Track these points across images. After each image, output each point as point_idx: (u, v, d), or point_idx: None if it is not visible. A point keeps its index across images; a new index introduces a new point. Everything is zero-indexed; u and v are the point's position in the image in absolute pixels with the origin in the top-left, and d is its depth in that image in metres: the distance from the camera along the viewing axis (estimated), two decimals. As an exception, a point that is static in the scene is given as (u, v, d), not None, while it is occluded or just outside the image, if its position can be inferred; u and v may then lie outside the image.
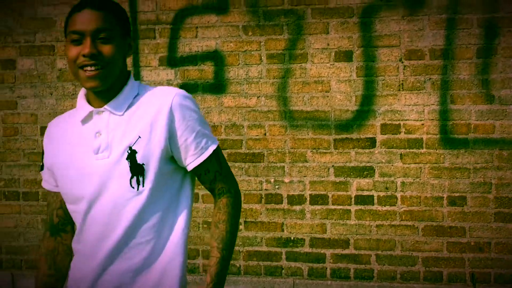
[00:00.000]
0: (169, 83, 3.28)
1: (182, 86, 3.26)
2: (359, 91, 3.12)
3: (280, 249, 3.23)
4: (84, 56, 1.32)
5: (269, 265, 3.26)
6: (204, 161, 1.41)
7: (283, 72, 3.19)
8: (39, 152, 3.40)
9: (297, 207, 3.21)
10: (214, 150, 1.43)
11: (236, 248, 3.27)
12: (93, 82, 1.34)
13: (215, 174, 1.44)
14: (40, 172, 1.54)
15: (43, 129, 3.41)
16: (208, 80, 3.27)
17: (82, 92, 1.46)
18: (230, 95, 3.24)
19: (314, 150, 3.18)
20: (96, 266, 1.39)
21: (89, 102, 1.42)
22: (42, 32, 3.39)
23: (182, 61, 3.28)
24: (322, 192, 3.18)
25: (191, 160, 1.40)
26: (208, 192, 1.49)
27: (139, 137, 1.37)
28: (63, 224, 1.53)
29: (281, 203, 3.22)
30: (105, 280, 1.40)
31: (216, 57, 3.25)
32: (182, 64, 3.28)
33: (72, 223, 1.51)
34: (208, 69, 3.26)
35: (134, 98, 1.42)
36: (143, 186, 1.36)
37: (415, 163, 3.09)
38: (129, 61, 3.30)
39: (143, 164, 1.36)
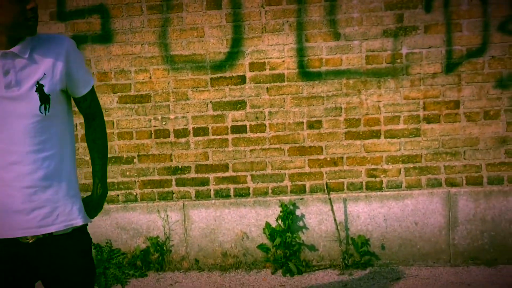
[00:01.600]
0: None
1: (72, 38, 3.53)
2: (229, 35, 3.51)
3: (170, 176, 3.64)
4: (32, 9, 1.63)
5: (161, 191, 3.66)
6: (87, 91, 1.83)
7: (163, 21, 3.52)
8: None
9: (183, 140, 3.61)
10: (93, 85, 1.86)
11: (132, 178, 3.65)
12: (33, 31, 1.65)
13: (90, 102, 1.86)
14: None
15: None
16: (96, 32, 3.55)
17: None
18: (117, 44, 3.55)
19: (194, 89, 3.57)
20: (11, 177, 1.68)
21: None
22: None
23: (71, 15, 3.55)
24: (203, 125, 3.59)
25: (80, 90, 1.80)
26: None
27: (45, 74, 1.68)
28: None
29: (169, 137, 3.61)
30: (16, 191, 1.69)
31: (102, 10, 3.53)
32: (71, 18, 3.55)
33: None
34: (95, 21, 3.55)
35: (31, 42, 1.69)
36: (48, 111, 1.68)
37: (279, 95, 3.53)
38: (21, 16, 3.52)
39: (49, 94, 1.68)
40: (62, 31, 3.54)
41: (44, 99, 1.69)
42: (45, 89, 1.69)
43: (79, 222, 1.77)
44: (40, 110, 1.68)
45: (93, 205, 1.91)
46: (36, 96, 1.67)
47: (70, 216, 1.75)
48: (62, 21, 3.55)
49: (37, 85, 1.67)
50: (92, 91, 1.87)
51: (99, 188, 1.92)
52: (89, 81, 1.84)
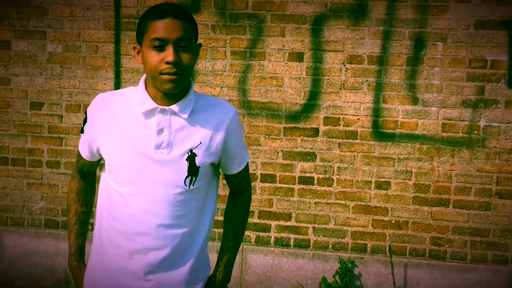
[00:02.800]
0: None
1: (156, 74, 3.62)
2: (307, 87, 3.52)
3: (232, 218, 3.63)
4: (167, 63, 1.38)
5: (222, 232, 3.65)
6: (241, 169, 1.66)
7: (244, 67, 3.57)
8: (28, 124, 3.74)
9: (249, 184, 3.61)
10: (248, 162, 1.69)
11: (195, 216, 3.66)
12: (171, 86, 1.41)
13: (242, 179, 1.69)
14: (80, 133, 1.65)
15: (32, 104, 3.73)
16: (179, 70, 3.63)
17: (143, 83, 1.52)
18: (198, 84, 3.61)
19: (266, 135, 3.58)
20: (134, 248, 1.49)
21: (150, 95, 1.48)
22: (35, 19, 3.70)
23: (157, 52, 3.64)
24: (271, 172, 3.59)
25: (234, 168, 1.63)
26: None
27: (200, 142, 1.49)
28: (91, 174, 1.71)
29: (236, 179, 3.61)
30: (139, 262, 1.49)
31: (187, 51, 3.61)
32: (158, 54, 3.64)
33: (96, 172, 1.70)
34: (179, 60, 3.62)
35: (195, 103, 1.52)
36: (193, 185, 1.49)
37: (350, 151, 3.51)
38: (111, 48, 3.65)
39: (199, 167, 1.48)
40: (147, 67, 3.63)
41: (193, 170, 1.49)
42: (197, 160, 1.49)
43: None
44: (184, 182, 1.49)
45: None
46: (185, 165, 1.48)
47: None
48: (148, 57, 3.64)
49: (189, 153, 1.48)
50: (246, 168, 1.69)
51: (220, 273, 1.67)
52: (245, 158, 1.66)
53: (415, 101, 3.43)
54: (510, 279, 3.36)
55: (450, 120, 3.40)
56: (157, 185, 1.48)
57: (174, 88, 1.43)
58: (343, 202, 3.52)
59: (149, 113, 1.48)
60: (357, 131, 3.49)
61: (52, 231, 3.77)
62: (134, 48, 1.51)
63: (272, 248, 3.59)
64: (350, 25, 3.44)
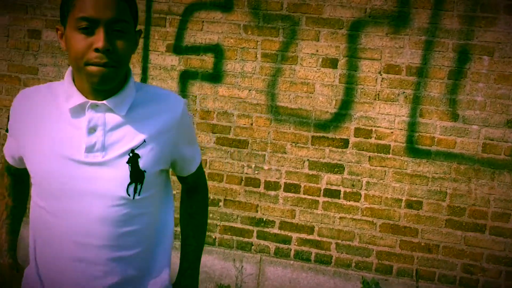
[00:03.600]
0: (173, 68, 3.50)
1: (184, 72, 3.48)
2: (339, 96, 3.31)
3: (252, 227, 3.45)
4: (96, 51, 1.09)
5: (241, 240, 3.48)
6: (195, 170, 1.41)
7: (274, 70, 3.39)
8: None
9: (272, 192, 3.42)
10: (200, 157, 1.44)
11: (214, 221, 3.50)
12: (100, 81, 1.12)
13: (196, 177, 1.43)
14: (6, 133, 1.40)
15: (57, 96, 3.65)
16: (207, 70, 3.48)
17: (70, 74, 1.22)
18: (225, 86, 3.45)
19: (293, 143, 3.39)
20: (75, 278, 1.20)
21: (79, 89, 1.19)
22: (67, 10, 3.62)
23: (186, 50, 3.50)
24: (295, 182, 3.39)
25: (189, 169, 1.38)
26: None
27: (144, 141, 1.18)
28: (19, 171, 1.40)
29: (259, 187, 3.44)
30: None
31: (217, 50, 3.45)
32: (186, 52, 3.50)
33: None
34: (208, 59, 3.47)
35: (135, 95, 1.23)
36: (139, 195, 1.19)
37: (381, 166, 3.28)
38: (140, 44, 3.52)
39: (144, 170, 1.18)
40: (175, 64, 3.49)
41: (137, 176, 1.17)
42: (141, 163, 1.17)
43: None
44: (127, 191, 1.17)
45: None
46: (126, 169, 1.16)
47: None
48: (177, 55, 3.50)
49: (130, 154, 1.17)
50: (199, 166, 1.45)
51: (187, 277, 1.40)
52: (195, 157, 1.39)
53: (455, 117, 3.17)
54: (547, 317, 3.08)
55: (492, 140, 3.13)
56: (93, 198, 1.16)
57: (103, 84, 1.13)
58: (370, 219, 3.30)
59: (77, 110, 1.18)
60: (389, 145, 3.26)
61: None
62: (57, 30, 1.19)
63: (292, 262, 3.40)
64: (389, 33, 3.21)
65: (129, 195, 1.17)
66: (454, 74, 3.16)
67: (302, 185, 3.38)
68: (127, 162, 1.16)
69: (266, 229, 3.44)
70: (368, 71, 3.26)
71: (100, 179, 1.15)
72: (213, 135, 3.48)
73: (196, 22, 3.46)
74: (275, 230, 3.43)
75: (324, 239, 3.36)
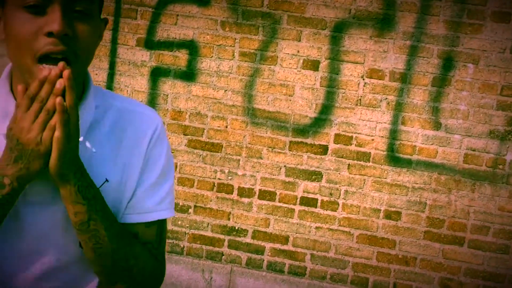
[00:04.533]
0: (143, 64, 3.24)
1: (155, 69, 3.22)
2: (320, 100, 3.14)
3: (223, 236, 3.23)
4: (50, 35, 0.80)
5: (211, 249, 3.25)
6: (146, 223, 0.96)
7: (253, 70, 3.18)
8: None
9: (246, 200, 3.21)
10: (163, 219, 0.99)
11: (183, 229, 3.26)
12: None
13: (157, 244, 1.00)
14: None
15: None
16: (180, 67, 3.23)
17: (7, 76, 0.91)
18: (199, 85, 3.22)
19: (269, 148, 3.19)
20: None
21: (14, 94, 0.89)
22: None
23: (158, 45, 3.24)
24: (271, 189, 3.19)
25: (132, 216, 0.96)
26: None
27: (106, 180, 0.91)
28: None
29: (232, 193, 3.22)
30: None
31: (191, 47, 3.21)
32: (158, 48, 3.24)
33: None
34: (182, 56, 3.23)
35: (96, 110, 0.93)
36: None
37: (360, 175, 3.12)
38: (107, 36, 3.24)
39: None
40: (146, 60, 3.23)
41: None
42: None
43: None
44: (80, 244, 0.92)
45: None
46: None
47: None
48: (148, 49, 3.24)
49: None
50: (157, 229, 0.99)
51: None
52: (157, 207, 0.97)
53: (437, 126, 3.05)
54: (523, 333, 3.00)
55: (474, 150, 3.03)
56: (39, 256, 0.93)
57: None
58: (347, 229, 3.13)
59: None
60: (370, 153, 3.10)
61: None
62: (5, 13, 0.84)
63: (264, 273, 3.20)
64: (373, 36, 3.06)
65: (81, 247, 0.92)
66: (438, 81, 3.04)
67: (278, 193, 3.18)
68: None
69: (238, 238, 3.22)
70: (351, 75, 3.10)
71: (48, 226, 0.91)
72: (184, 137, 3.24)
73: (170, 16, 3.21)
74: (248, 240, 3.22)
75: (299, 249, 3.17)
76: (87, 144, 0.90)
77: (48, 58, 0.81)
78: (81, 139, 0.87)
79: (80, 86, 0.92)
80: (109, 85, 3.25)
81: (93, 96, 0.94)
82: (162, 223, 0.98)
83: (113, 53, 3.25)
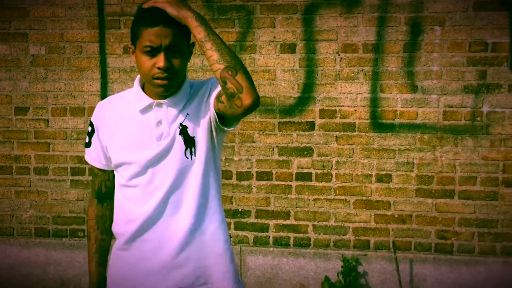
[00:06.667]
0: (132, 69, 3.38)
1: (144, 72, 3.37)
2: (301, 80, 3.26)
3: (229, 219, 3.37)
4: (158, 68, 1.40)
5: (219, 233, 3.39)
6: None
7: (234, 61, 3.31)
8: (13, 130, 3.48)
9: (245, 183, 3.35)
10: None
11: (190, 218, 3.40)
12: (163, 90, 1.45)
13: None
14: (86, 148, 1.61)
15: (17, 109, 3.48)
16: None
17: (138, 82, 1.54)
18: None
19: (260, 132, 3.32)
20: (167, 227, 1.49)
21: (147, 92, 1.51)
22: (16, 21, 3.45)
23: (144, 49, 3.38)
24: (267, 170, 3.33)
25: (213, 94, 1.50)
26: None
27: (187, 114, 1.49)
28: (109, 194, 1.62)
29: (231, 178, 3.36)
30: (171, 235, 1.50)
31: (174, 47, 3.35)
32: (144, 52, 3.38)
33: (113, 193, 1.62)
34: (167, 57, 3.37)
35: (190, 92, 1.52)
36: (195, 155, 1.48)
37: (348, 145, 3.25)
38: (95, 48, 3.39)
39: (193, 136, 1.48)
40: (134, 65, 3.37)
41: (189, 142, 1.48)
42: (189, 131, 1.49)
43: None
44: (185, 154, 1.48)
45: None
46: (180, 139, 1.48)
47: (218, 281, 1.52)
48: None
49: (180, 127, 1.49)
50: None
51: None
52: (215, 80, 1.55)
53: (414, 89, 3.17)
54: (521, 271, 3.10)
55: (451, 107, 3.14)
56: (170, 172, 1.48)
57: (165, 91, 1.47)
58: (343, 197, 3.26)
59: (146, 109, 1.50)
60: (354, 123, 3.23)
61: (43, 240, 3.51)
62: (129, 48, 1.54)
63: (271, 248, 3.33)
64: (343, 13, 3.18)
65: (187, 157, 1.48)
66: (409, 47, 3.15)
67: (274, 172, 3.32)
68: (179, 134, 1.48)
69: (243, 220, 3.36)
70: (326, 52, 3.22)
71: (170, 156, 1.48)
72: (180, 132, 3.38)
73: (151, 21, 3.35)
74: (252, 220, 3.35)
75: (301, 222, 3.31)
76: (185, 109, 1.50)
77: (158, 78, 1.44)
78: (180, 107, 1.50)
79: (179, 83, 1.51)
80: (103, 93, 3.39)
81: (188, 84, 1.54)
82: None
83: (103, 63, 3.40)
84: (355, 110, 3.22)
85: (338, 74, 3.22)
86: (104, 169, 1.60)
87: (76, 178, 3.47)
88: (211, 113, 1.50)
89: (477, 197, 3.15)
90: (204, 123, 1.50)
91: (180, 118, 1.50)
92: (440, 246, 3.20)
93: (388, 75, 3.18)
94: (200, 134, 1.49)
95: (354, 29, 3.18)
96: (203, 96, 1.51)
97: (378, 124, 3.21)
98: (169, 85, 1.44)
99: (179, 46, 1.43)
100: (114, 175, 1.60)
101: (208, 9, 3.29)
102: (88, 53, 3.41)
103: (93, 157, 1.60)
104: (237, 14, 3.27)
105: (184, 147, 1.48)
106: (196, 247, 1.50)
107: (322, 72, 3.24)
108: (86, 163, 3.40)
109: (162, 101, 1.49)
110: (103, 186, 1.63)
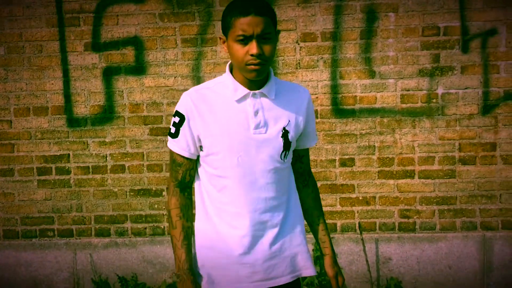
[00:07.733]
0: (94, 66, 3.35)
1: (106, 69, 3.35)
2: (263, 70, 3.29)
3: (198, 210, 3.39)
4: (251, 55, 1.48)
5: (189, 225, 3.41)
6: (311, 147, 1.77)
7: (196, 54, 3.32)
8: (-25, 133, 3.42)
9: (213, 173, 3.37)
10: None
11: (160, 211, 3.41)
12: (256, 74, 1.52)
13: (308, 159, 1.79)
14: (172, 138, 1.63)
15: (-22, 111, 3.42)
16: (129, 63, 3.36)
17: (229, 72, 1.60)
18: (150, 76, 3.35)
19: (225, 123, 3.34)
20: (250, 223, 1.58)
21: (239, 81, 1.58)
22: (-27, 21, 3.38)
23: (105, 46, 3.36)
24: (233, 160, 3.35)
25: (308, 144, 1.72)
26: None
27: (289, 121, 1.61)
28: (191, 183, 1.67)
29: (198, 170, 3.37)
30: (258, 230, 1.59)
31: (136, 42, 3.34)
32: (106, 49, 3.36)
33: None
34: (129, 53, 3.36)
35: (277, 86, 1.63)
36: (286, 158, 1.62)
37: (311, 131, 3.30)
38: (56, 46, 3.35)
39: (291, 142, 1.62)
40: (96, 62, 3.35)
41: (287, 145, 1.61)
42: (289, 136, 1.61)
43: (310, 272, 1.66)
44: (281, 157, 1.60)
45: (335, 262, 1.75)
46: (281, 141, 1.60)
47: (298, 266, 1.66)
48: (96, 52, 3.36)
49: (283, 130, 1.60)
50: (308, 152, 1.81)
51: (330, 247, 1.75)
52: (316, 136, 1.77)
53: (372, 74, 3.25)
54: (480, 244, 3.23)
55: (408, 90, 3.23)
56: (260, 163, 1.58)
57: (258, 76, 1.53)
58: (309, 183, 3.32)
59: (241, 98, 1.58)
60: (316, 110, 3.28)
61: (12, 242, 3.46)
62: (220, 38, 1.60)
63: (242, 237, 3.37)
64: (300, 3, 3.23)
65: (281, 159, 1.60)
66: (365, 34, 3.22)
67: (240, 162, 3.35)
68: (281, 136, 1.59)
69: (212, 210, 3.38)
70: (286, 42, 3.27)
71: (264, 149, 1.57)
72: (145, 127, 3.38)
73: (111, 17, 3.33)
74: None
75: (269, 209, 3.35)
76: (277, 101, 1.61)
77: (251, 64, 1.51)
78: (273, 97, 1.60)
79: (266, 73, 1.60)
80: (66, 91, 3.36)
81: (273, 76, 1.64)
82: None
83: (64, 61, 3.36)
84: (317, 97, 3.28)
85: (299, 62, 3.27)
86: (191, 158, 1.63)
87: (43, 178, 3.43)
88: (298, 134, 1.65)
89: (436, 176, 3.26)
90: (296, 135, 1.65)
91: (281, 120, 1.60)
92: (403, 225, 3.30)
93: (346, 62, 3.25)
94: (294, 142, 1.64)
95: (312, 18, 3.23)
96: (303, 116, 1.64)
97: (339, 110, 3.28)
98: (262, 70, 1.51)
99: (269, 34, 1.50)
100: (197, 165, 1.66)
101: (168, 3, 3.29)
102: (49, 52, 3.36)
103: (182, 146, 1.62)
104: (196, 7, 3.28)
105: (282, 149, 1.60)
106: (286, 239, 1.62)
107: (283, 61, 3.28)
108: (53, 162, 3.40)
109: (257, 91, 1.58)
110: (187, 175, 1.66)
